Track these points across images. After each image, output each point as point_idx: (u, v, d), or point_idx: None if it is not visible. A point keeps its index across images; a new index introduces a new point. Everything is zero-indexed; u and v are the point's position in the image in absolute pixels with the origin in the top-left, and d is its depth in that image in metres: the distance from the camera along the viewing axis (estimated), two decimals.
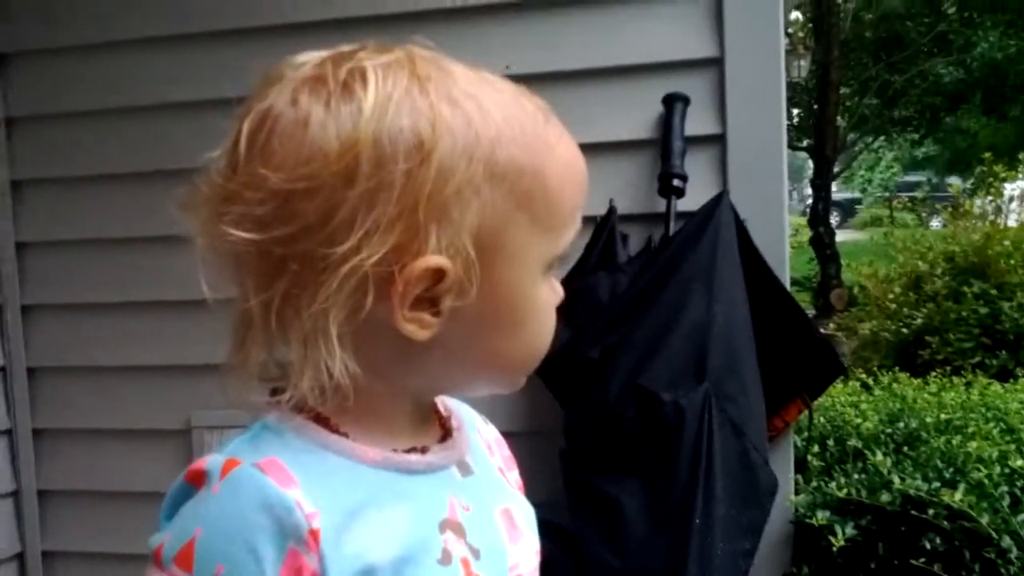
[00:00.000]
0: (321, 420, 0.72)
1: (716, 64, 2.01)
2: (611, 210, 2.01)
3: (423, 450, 0.76)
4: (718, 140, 2.02)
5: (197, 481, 0.68)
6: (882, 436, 2.17)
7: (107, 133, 2.36)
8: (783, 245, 2.02)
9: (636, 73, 2.06)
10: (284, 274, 0.67)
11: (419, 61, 0.69)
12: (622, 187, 2.06)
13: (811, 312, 9.45)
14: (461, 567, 0.73)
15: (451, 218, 0.66)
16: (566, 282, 2.01)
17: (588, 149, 2.16)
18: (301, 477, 0.67)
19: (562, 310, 2.08)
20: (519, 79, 2.14)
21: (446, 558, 0.72)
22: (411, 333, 0.68)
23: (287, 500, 0.66)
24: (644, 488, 1.78)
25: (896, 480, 1.90)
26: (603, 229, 2.00)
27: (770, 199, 2.00)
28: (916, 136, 15.29)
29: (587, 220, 2.04)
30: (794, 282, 11.21)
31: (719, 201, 1.90)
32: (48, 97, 2.39)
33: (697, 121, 2.02)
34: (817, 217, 11.89)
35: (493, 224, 0.68)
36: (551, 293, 0.75)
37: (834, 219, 17.86)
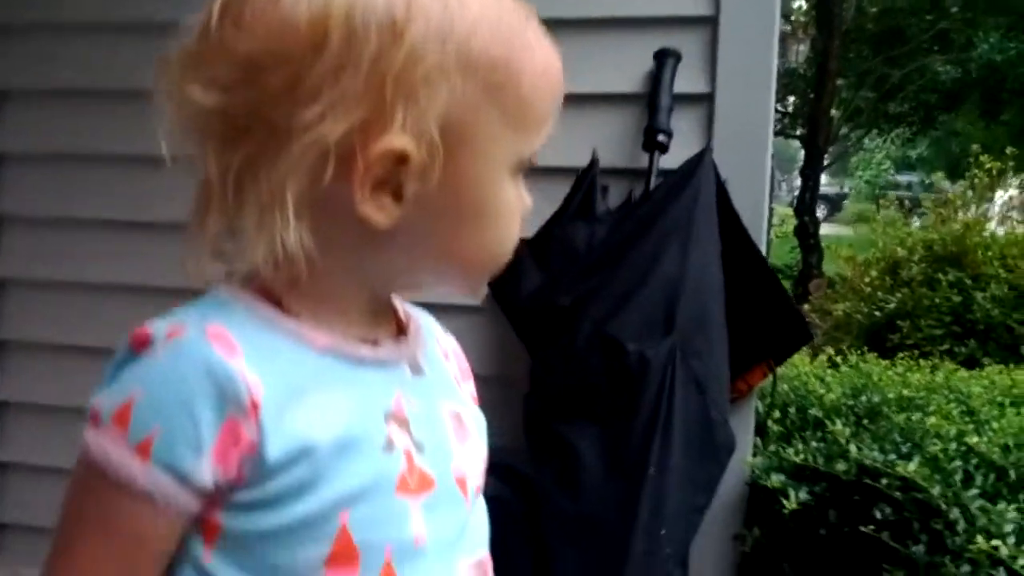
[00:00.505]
0: (273, 300, 0.72)
1: (710, 23, 2.00)
2: (593, 161, 2.01)
3: (375, 343, 0.76)
4: (706, 99, 2.02)
5: (140, 345, 0.69)
6: (843, 408, 2.19)
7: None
8: (762, 209, 2.03)
9: (628, 26, 2.06)
10: (246, 142, 0.67)
11: None
12: (606, 140, 2.06)
13: None
14: (404, 458, 0.73)
15: (418, 101, 0.66)
16: (544, 230, 2.03)
17: (574, 100, 2.14)
18: (246, 349, 0.68)
19: (536, 256, 2.09)
20: None
21: (389, 446, 0.73)
22: (370, 216, 0.68)
23: (230, 369, 0.66)
24: (603, 436, 1.79)
25: (853, 450, 1.92)
26: (584, 179, 2.00)
27: (753, 162, 2.00)
28: (909, 133, 15.31)
29: (568, 170, 2.04)
30: (775, 270, 11.26)
31: (701, 159, 1.90)
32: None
33: (687, 79, 2.01)
34: (803, 206, 11.91)
35: (461, 113, 0.68)
36: (517, 198, 0.75)
37: (821, 212, 17.91)
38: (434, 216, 0.71)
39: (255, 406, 0.66)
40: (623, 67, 2.05)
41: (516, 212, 0.76)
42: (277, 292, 0.73)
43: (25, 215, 2.48)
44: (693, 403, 1.82)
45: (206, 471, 0.66)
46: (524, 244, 1.99)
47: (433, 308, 2.20)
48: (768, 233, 2.22)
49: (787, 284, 10.95)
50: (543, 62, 0.73)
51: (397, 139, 0.66)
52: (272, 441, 0.67)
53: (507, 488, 1.92)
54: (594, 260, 1.90)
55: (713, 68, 2.01)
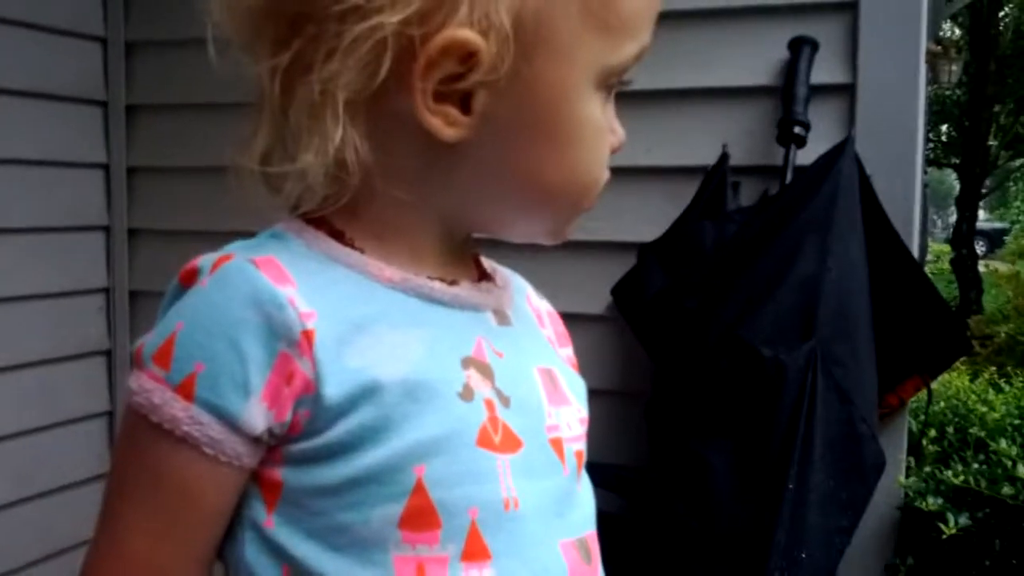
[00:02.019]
0: (335, 234, 0.65)
1: (849, 8, 1.86)
2: (723, 156, 1.89)
3: (452, 283, 0.67)
4: (847, 90, 1.87)
5: (188, 279, 0.62)
6: (1009, 428, 1.97)
7: None
8: (912, 207, 1.86)
9: (761, 15, 1.93)
10: (298, 37, 0.60)
11: None
12: (738, 135, 1.93)
13: None
14: (485, 408, 0.64)
15: None
16: (669, 231, 1.92)
17: (703, 94, 2.04)
18: (300, 279, 0.61)
19: (661, 258, 1.97)
20: None
21: (467, 393, 0.63)
22: (436, 129, 0.60)
23: (279, 296, 0.59)
24: (735, 448, 1.65)
25: (1021, 471, 1.72)
26: (713, 176, 1.88)
27: (901, 156, 1.84)
28: None
29: (697, 169, 1.93)
30: None
31: (843, 150, 1.75)
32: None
33: (825, 69, 1.87)
34: (960, 237, 11.31)
35: (538, 6, 0.60)
36: (603, 117, 0.65)
37: (980, 248, 16.99)
38: (508, 132, 0.62)
39: (308, 337, 0.59)
40: (756, 58, 1.93)
41: (602, 134, 0.66)
42: (339, 225, 0.65)
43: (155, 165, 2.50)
44: (836, 415, 1.66)
45: (257, 414, 0.59)
46: (648, 247, 1.92)
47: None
48: (922, 266, 2.05)
49: None
50: None
51: (463, 31, 0.58)
52: (330, 379, 0.59)
53: (624, 501, 1.81)
54: (723, 260, 1.77)
55: (854, 56, 1.86)
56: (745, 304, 1.70)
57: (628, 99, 2.18)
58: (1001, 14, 11.97)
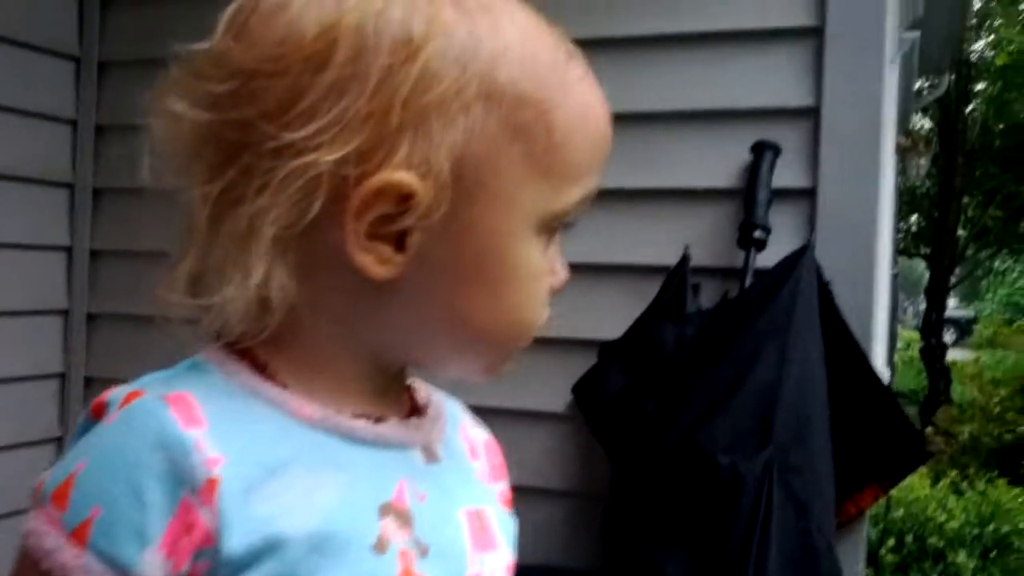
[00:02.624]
0: (259, 366, 0.62)
1: (811, 114, 1.89)
2: (684, 258, 1.89)
3: (378, 420, 0.65)
4: (808, 195, 1.89)
5: (98, 414, 0.59)
6: (968, 537, 1.95)
7: None
8: (871, 313, 1.86)
9: (724, 119, 1.96)
10: (232, 166, 0.58)
11: None
12: (700, 237, 1.94)
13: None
14: (399, 560, 0.61)
15: (429, 131, 0.57)
16: (630, 331, 1.92)
17: (667, 194, 2.06)
18: (212, 419, 0.58)
19: (621, 358, 1.96)
20: None
21: (381, 546, 0.60)
22: (366, 267, 0.58)
23: (185, 439, 0.56)
24: (690, 557, 1.62)
25: None
26: (674, 277, 1.88)
27: (860, 262, 1.85)
28: None
29: (658, 269, 1.93)
30: (901, 394, 10.73)
31: (802, 255, 1.76)
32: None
33: (787, 173, 1.89)
34: (929, 327, 11.40)
35: (480, 151, 0.58)
36: (543, 260, 0.64)
37: (950, 336, 17.11)
38: (442, 272, 0.60)
39: (212, 487, 0.56)
40: (718, 161, 1.95)
41: (540, 277, 0.64)
42: (263, 357, 0.63)
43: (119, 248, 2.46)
44: (793, 526, 1.64)
45: (153, 565, 0.55)
46: (609, 346, 1.91)
47: (507, 413, 2.09)
48: (892, 355, 2.05)
49: (914, 410, 10.39)
50: (583, 105, 0.63)
51: (400, 174, 0.57)
52: (233, 531, 0.56)
53: None
54: (683, 363, 1.76)
55: (815, 162, 1.88)
56: (704, 409, 1.69)
57: (595, 197, 2.18)
58: (969, 109, 12.26)
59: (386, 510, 0.62)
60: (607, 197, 1.98)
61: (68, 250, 2.42)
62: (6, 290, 2.26)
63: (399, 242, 0.59)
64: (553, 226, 0.64)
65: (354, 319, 0.62)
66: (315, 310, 0.61)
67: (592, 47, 2.11)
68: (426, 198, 0.57)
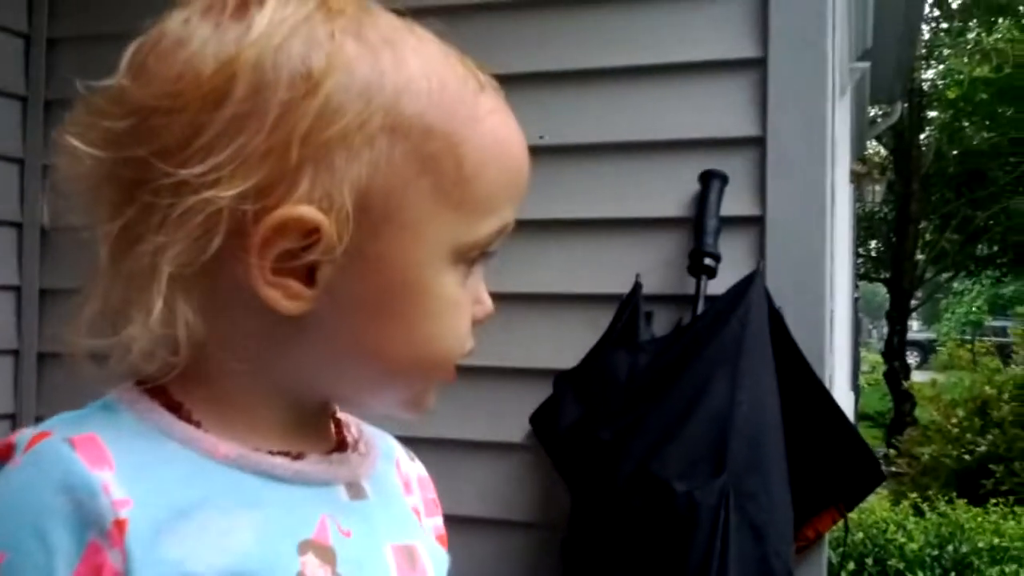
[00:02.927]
0: (172, 405, 0.61)
1: (758, 143, 1.92)
2: (636, 286, 1.90)
3: (298, 456, 0.64)
4: (756, 222, 1.91)
5: (4, 456, 0.58)
6: (928, 560, 1.96)
7: None
8: (822, 338, 1.88)
9: (672, 149, 1.98)
10: (132, 204, 0.58)
11: None
12: (651, 265, 1.95)
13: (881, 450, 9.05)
14: None
15: (332, 165, 0.57)
16: (584, 360, 1.92)
17: (617, 224, 2.07)
18: (121, 460, 0.57)
19: (576, 387, 1.96)
20: (552, 150, 2.04)
21: None
22: (273, 302, 0.58)
23: (92, 482, 0.55)
24: None
25: None
26: (627, 305, 1.89)
27: (810, 287, 1.87)
28: (999, 274, 14.87)
29: (611, 297, 1.94)
30: (866, 417, 10.82)
31: (751, 281, 1.78)
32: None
33: (735, 201, 1.91)
34: (892, 351, 11.52)
35: (386, 184, 0.58)
36: (461, 291, 0.63)
37: (914, 359, 17.28)
38: (354, 306, 0.60)
39: (120, 527, 0.54)
40: (668, 191, 1.97)
41: (458, 308, 0.64)
42: (177, 395, 0.62)
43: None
44: (750, 552, 1.64)
45: None
46: (564, 375, 1.91)
47: (466, 444, 2.07)
48: (856, 379, 2.06)
49: (879, 432, 10.46)
50: (495, 135, 0.63)
51: (301, 208, 0.56)
52: (142, 573, 0.55)
53: None
54: (636, 391, 1.76)
55: (763, 190, 1.90)
56: (657, 437, 1.69)
57: (545, 227, 2.18)
58: (923, 136, 12.50)
59: (306, 547, 0.60)
60: (559, 227, 2.03)
61: (18, 226, 2.40)
62: None
63: (310, 277, 0.59)
64: (470, 257, 0.63)
65: (266, 356, 0.61)
66: (225, 347, 0.60)
67: (543, 80, 2.13)
68: (330, 232, 0.57)
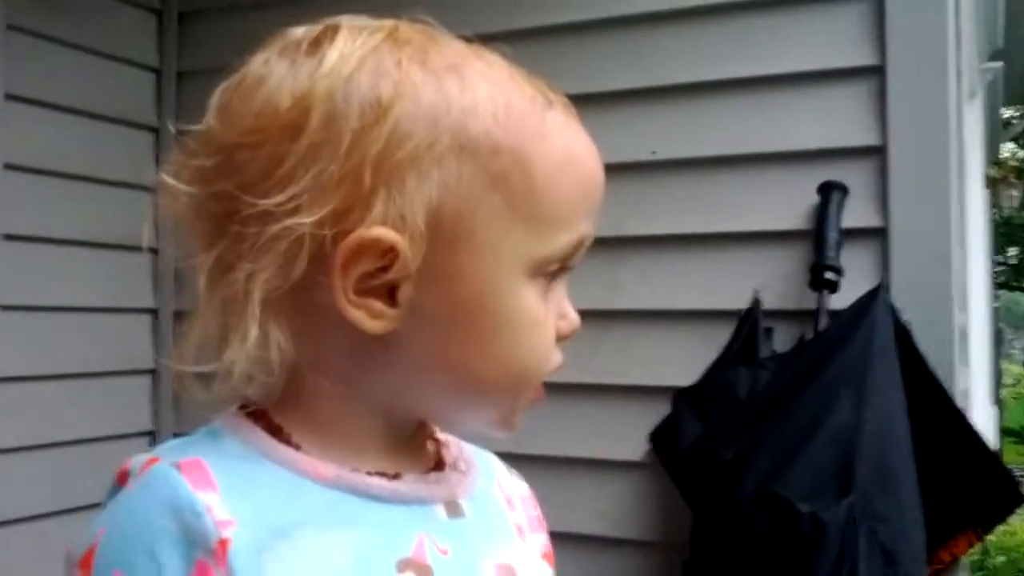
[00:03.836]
0: (273, 429, 0.64)
1: (878, 152, 1.86)
2: (755, 302, 1.87)
3: (395, 476, 0.65)
4: (879, 234, 1.85)
5: (122, 480, 0.62)
6: None
7: None
8: (952, 352, 1.81)
9: (789, 160, 1.94)
10: (224, 236, 0.62)
11: (404, 27, 0.63)
12: (771, 279, 1.92)
13: None
14: None
15: (404, 187, 0.59)
16: (703, 378, 1.90)
17: (735, 238, 2.04)
18: (225, 483, 0.60)
19: (695, 405, 1.94)
20: (664, 165, 2.03)
21: None
22: (359, 322, 0.60)
23: (197, 503, 0.58)
24: None
25: None
26: (746, 321, 1.86)
27: (937, 300, 1.80)
28: None
29: (729, 313, 1.91)
30: (1011, 432, 10.27)
31: (875, 296, 1.73)
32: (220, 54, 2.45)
33: (856, 213, 1.86)
34: None
35: (458, 203, 0.60)
36: (541, 306, 0.64)
37: None
38: (436, 323, 0.61)
39: (223, 547, 0.57)
40: (786, 203, 1.93)
41: (537, 323, 0.64)
42: (277, 419, 0.65)
43: None
44: (880, 575, 1.59)
45: None
46: (683, 393, 1.89)
47: (584, 462, 2.07)
48: (998, 392, 1.98)
49: None
50: (564, 149, 0.64)
51: (376, 230, 0.59)
52: None
53: None
54: (757, 409, 1.73)
55: (885, 200, 1.85)
56: (780, 456, 1.65)
57: (661, 243, 2.16)
58: None
59: (404, 565, 0.62)
60: (675, 243, 2.02)
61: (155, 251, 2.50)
62: (93, 223, 2.33)
63: (391, 296, 0.61)
64: (548, 271, 0.64)
65: (357, 376, 0.63)
66: (317, 369, 0.63)
67: (654, 95, 2.12)
68: (405, 251, 0.59)
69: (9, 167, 2.16)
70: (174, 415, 2.51)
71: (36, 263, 2.24)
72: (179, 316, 2.51)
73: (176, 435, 2.46)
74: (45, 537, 2.17)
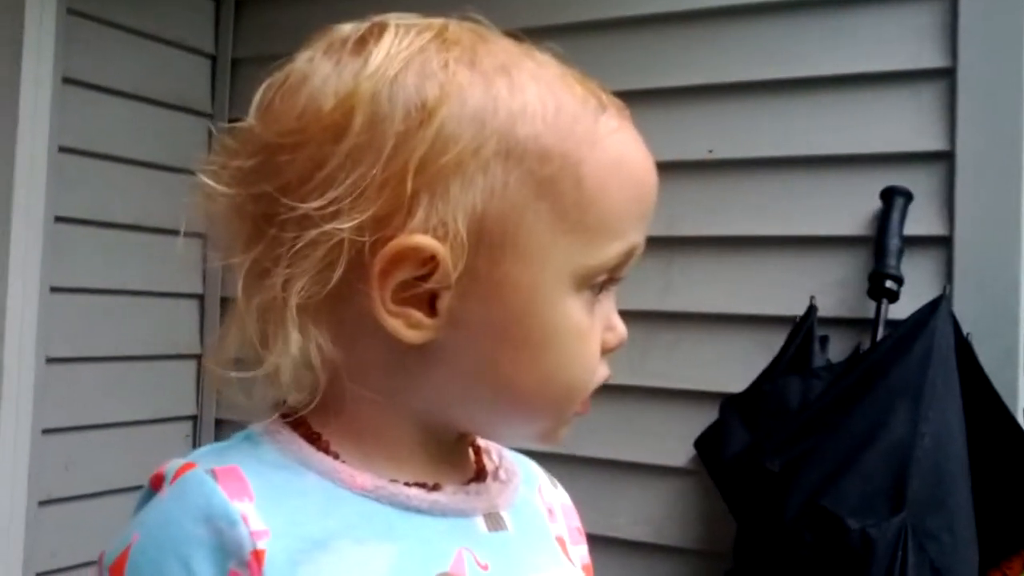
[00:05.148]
0: (312, 437, 0.62)
1: (946, 158, 1.80)
2: (811, 308, 1.82)
3: (434, 487, 0.63)
4: (943, 243, 1.79)
5: (156, 485, 0.60)
6: None
7: None
8: (1016, 367, 1.74)
9: (850, 164, 1.88)
10: (262, 239, 0.60)
11: (453, 26, 0.61)
12: (828, 286, 1.86)
13: None
14: None
15: (447, 194, 0.56)
16: (753, 385, 1.85)
17: (791, 242, 1.99)
18: (261, 492, 0.58)
19: (744, 414, 1.90)
20: (721, 164, 1.99)
21: None
22: (396, 331, 0.58)
23: (232, 512, 0.56)
24: None
25: None
26: (800, 329, 1.81)
27: (1002, 313, 1.74)
28: None
29: (783, 319, 1.86)
30: None
31: (936, 307, 1.67)
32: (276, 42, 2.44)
33: (920, 220, 1.80)
34: None
35: (503, 210, 0.57)
36: (588, 317, 0.61)
37: None
38: (477, 334, 0.59)
39: (258, 558, 0.55)
40: (847, 208, 1.87)
41: (583, 336, 0.61)
42: (316, 427, 0.62)
43: None
44: None
45: None
46: (731, 400, 1.85)
47: (627, 466, 2.03)
48: None
49: None
50: (617, 155, 0.60)
51: (417, 238, 0.56)
52: None
53: None
54: (808, 419, 1.68)
55: (950, 208, 1.78)
56: (830, 469, 1.61)
57: (714, 244, 2.12)
58: None
59: None
60: (729, 245, 1.97)
61: (201, 298, 2.54)
62: (143, 208, 2.34)
63: (431, 306, 0.58)
64: (596, 282, 0.61)
65: (396, 385, 0.61)
66: (357, 378, 0.61)
67: (712, 92, 2.08)
68: (446, 260, 0.56)
69: (64, 150, 2.18)
70: (216, 401, 2.52)
71: (85, 246, 2.26)
72: (225, 303, 2.52)
73: (218, 421, 2.50)
74: (85, 517, 2.19)
